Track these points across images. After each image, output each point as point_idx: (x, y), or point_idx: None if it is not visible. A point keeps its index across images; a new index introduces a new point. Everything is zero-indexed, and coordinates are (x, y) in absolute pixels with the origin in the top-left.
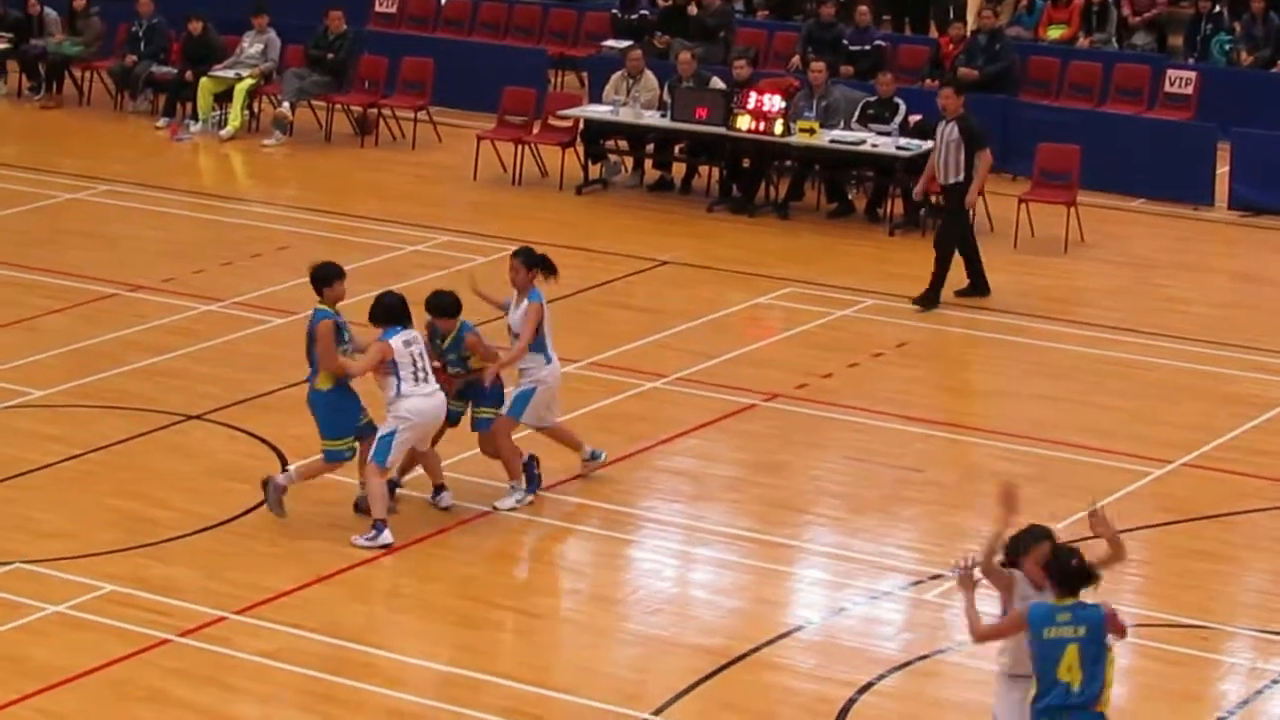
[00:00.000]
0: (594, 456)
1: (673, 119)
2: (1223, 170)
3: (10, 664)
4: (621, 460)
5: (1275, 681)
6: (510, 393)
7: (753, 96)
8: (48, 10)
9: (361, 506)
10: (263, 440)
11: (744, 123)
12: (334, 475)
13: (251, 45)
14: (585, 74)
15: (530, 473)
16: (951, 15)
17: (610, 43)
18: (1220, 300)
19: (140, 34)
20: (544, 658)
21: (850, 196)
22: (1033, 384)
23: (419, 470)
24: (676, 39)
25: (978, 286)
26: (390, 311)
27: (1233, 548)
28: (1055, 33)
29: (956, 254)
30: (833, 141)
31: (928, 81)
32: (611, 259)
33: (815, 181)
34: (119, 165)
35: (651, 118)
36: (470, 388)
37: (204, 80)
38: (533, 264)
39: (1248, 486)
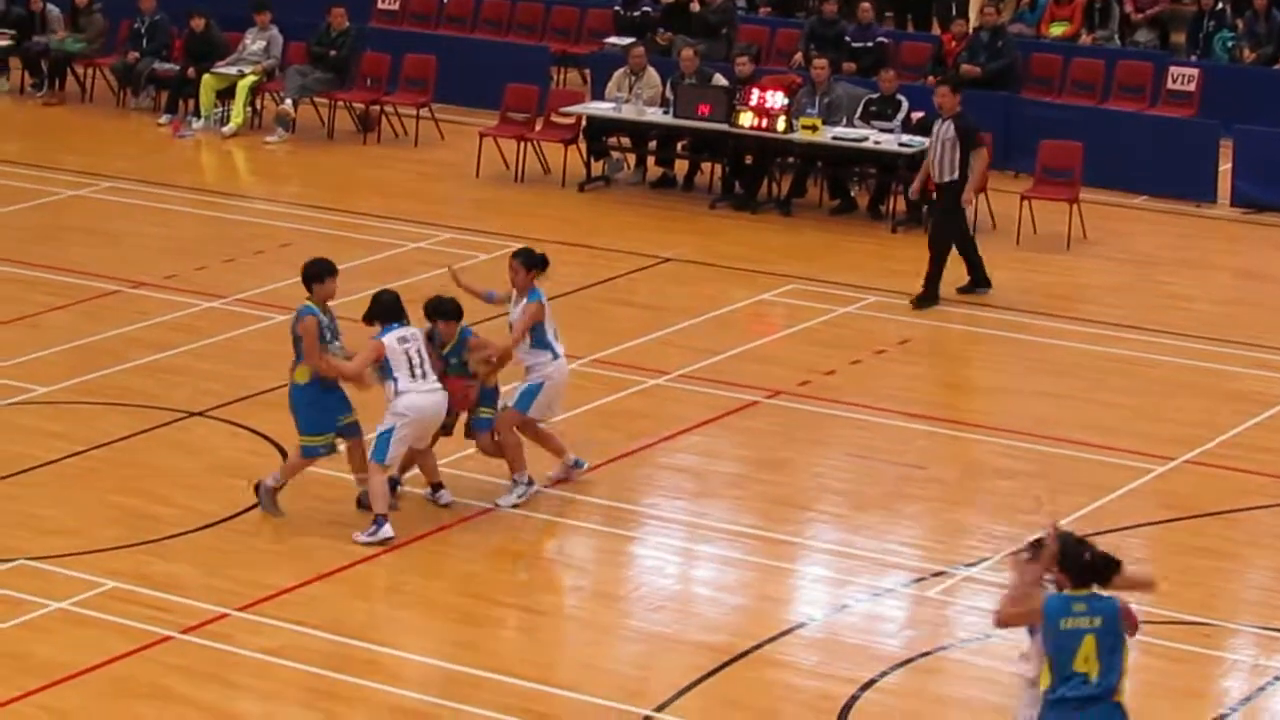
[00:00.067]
0: (577, 464)
1: (675, 116)
2: (1225, 167)
3: (13, 660)
4: (624, 457)
5: (1278, 678)
6: (517, 387)
7: (755, 93)
8: (50, 7)
9: (363, 503)
10: (265, 437)
11: (746, 120)
12: (334, 472)
13: (254, 42)
14: (588, 71)
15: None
16: (954, 12)
17: (613, 40)
18: (1223, 297)
19: (143, 31)
20: (546, 655)
21: (853, 193)
22: (1035, 381)
23: None
24: (679, 36)
25: (978, 282)
26: (386, 309)
27: (1235, 545)
28: (1057, 29)
29: (954, 251)
30: (835, 138)
31: (930, 79)
32: (614, 256)
33: (818, 178)
34: (121, 162)
35: (654, 115)
36: (482, 393)
37: (206, 77)
38: (532, 265)
39: (1250, 483)
